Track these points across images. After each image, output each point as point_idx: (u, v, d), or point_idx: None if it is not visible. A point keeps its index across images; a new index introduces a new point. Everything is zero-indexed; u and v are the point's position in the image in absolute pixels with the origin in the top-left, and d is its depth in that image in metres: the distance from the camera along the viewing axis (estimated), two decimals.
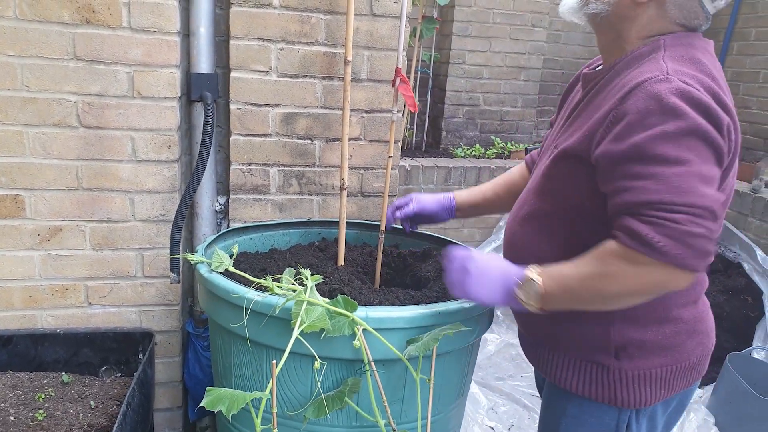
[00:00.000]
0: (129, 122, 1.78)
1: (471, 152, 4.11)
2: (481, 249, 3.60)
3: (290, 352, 1.15)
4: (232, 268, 1.41)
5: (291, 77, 1.90)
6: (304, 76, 1.91)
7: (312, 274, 1.26)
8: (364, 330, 1.23)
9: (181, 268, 1.85)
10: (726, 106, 1.05)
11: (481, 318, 1.45)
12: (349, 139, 1.93)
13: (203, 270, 1.44)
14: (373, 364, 1.25)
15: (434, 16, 3.86)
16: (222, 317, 1.40)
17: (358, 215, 2.08)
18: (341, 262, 1.72)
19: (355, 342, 1.22)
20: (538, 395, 1.48)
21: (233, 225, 1.96)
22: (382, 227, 1.74)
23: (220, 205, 2.02)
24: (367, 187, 2.07)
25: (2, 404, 1.68)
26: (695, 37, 1.15)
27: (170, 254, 1.79)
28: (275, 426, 1.09)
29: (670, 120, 1.00)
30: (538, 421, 1.43)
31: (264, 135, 1.93)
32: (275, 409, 1.09)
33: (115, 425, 1.47)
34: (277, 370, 1.07)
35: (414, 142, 4.25)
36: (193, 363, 2.04)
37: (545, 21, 4.34)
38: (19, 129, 1.72)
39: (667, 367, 1.22)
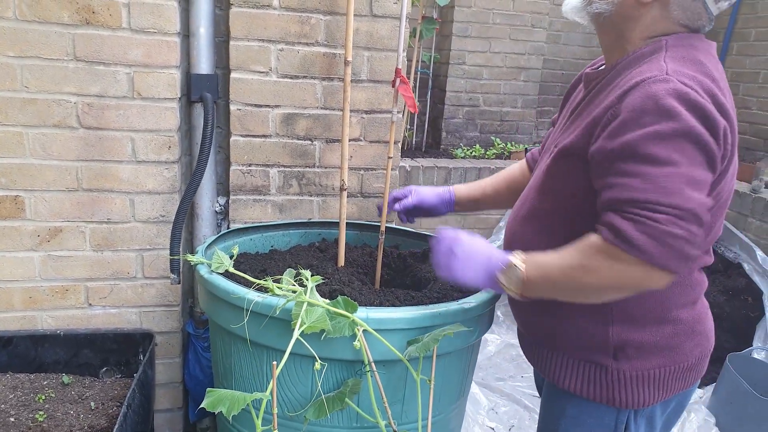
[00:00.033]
0: (129, 123, 1.78)
1: (471, 153, 4.11)
2: None
3: (291, 353, 1.15)
4: (232, 269, 1.41)
5: (291, 78, 1.90)
6: (304, 77, 1.91)
7: (312, 275, 1.26)
8: (364, 331, 1.22)
9: (181, 269, 1.85)
10: (724, 109, 1.05)
11: (482, 319, 1.45)
12: (349, 140, 1.93)
13: (203, 271, 1.44)
14: (373, 364, 1.25)
15: (434, 17, 3.86)
16: (222, 318, 1.40)
17: (358, 216, 2.08)
18: (341, 262, 1.72)
19: (356, 343, 1.21)
20: (539, 396, 1.48)
21: (233, 226, 1.96)
22: (382, 228, 1.74)
23: (220, 205, 2.02)
24: (367, 188, 2.07)
25: (2, 405, 1.68)
26: (698, 39, 1.15)
27: (170, 255, 1.79)
28: (276, 427, 1.09)
29: (664, 121, 1.00)
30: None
31: (264, 136, 1.93)
32: (276, 410, 1.09)
33: (116, 426, 1.47)
34: (277, 371, 1.07)
35: (414, 142, 4.25)
36: (194, 364, 2.04)
37: (545, 21, 4.34)
38: (19, 130, 1.72)
39: (666, 368, 1.22)
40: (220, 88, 1.93)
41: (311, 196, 2.03)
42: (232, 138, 1.91)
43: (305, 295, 1.20)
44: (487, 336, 3.12)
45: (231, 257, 1.43)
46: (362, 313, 1.25)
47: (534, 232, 1.28)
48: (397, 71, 1.71)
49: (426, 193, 1.68)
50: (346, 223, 1.77)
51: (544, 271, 1.13)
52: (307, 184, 2.02)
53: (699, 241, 1.01)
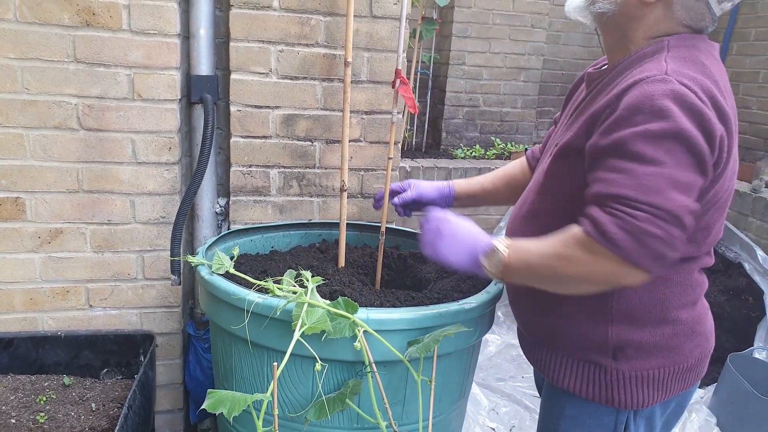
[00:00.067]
0: (129, 124, 1.78)
1: (471, 153, 4.11)
2: None
3: (291, 354, 1.15)
4: (232, 270, 1.41)
5: (291, 79, 1.90)
6: (304, 78, 1.91)
7: (312, 276, 1.26)
8: (364, 331, 1.23)
9: (181, 270, 1.85)
10: (723, 112, 1.05)
11: (482, 319, 1.45)
12: (350, 141, 1.94)
13: (204, 272, 1.44)
14: (374, 365, 1.25)
15: (434, 18, 3.86)
16: (223, 319, 1.40)
17: (358, 216, 2.08)
18: (342, 263, 1.72)
19: (356, 344, 1.21)
20: (539, 396, 1.48)
21: (234, 227, 1.96)
22: (383, 228, 1.74)
23: (220, 206, 2.02)
24: (368, 189, 2.07)
25: (3, 407, 1.68)
26: (700, 39, 1.15)
27: (171, 256, 1.79)
28: (276, 428, 1.09)
29: (656, 120, 1.00)
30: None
31: (264, 137, 1.93)
32: (276, 411, 1.09)
33: (117, 427, 1.47)
34: (278, 372, 1.07)
35: (414, 143, 4.25)
36: (194, 365, 2.04)
37: (545, 22, 4.34)
38: (19, 131, 1.72)
39: (665, 368, 1.22)
40: (221, 89, 1.93)
41: (311, 196, 2.03)
42: (233, 139, 1.91)
43: (306, 296, 1.20)
44: (487, 336, 3.12)
45: (231, 258, 1.43)
46: (363, 313, 1.25)
47: (534, 232, 1.27)
48: (397, 72, 1.71)
49: (425, 187, 1.68)
50: (347, 223, 1.77)
51: (524, 257, 1.14)
52: (307, 185, 2.02)
53: (678, 243, 1.01)
